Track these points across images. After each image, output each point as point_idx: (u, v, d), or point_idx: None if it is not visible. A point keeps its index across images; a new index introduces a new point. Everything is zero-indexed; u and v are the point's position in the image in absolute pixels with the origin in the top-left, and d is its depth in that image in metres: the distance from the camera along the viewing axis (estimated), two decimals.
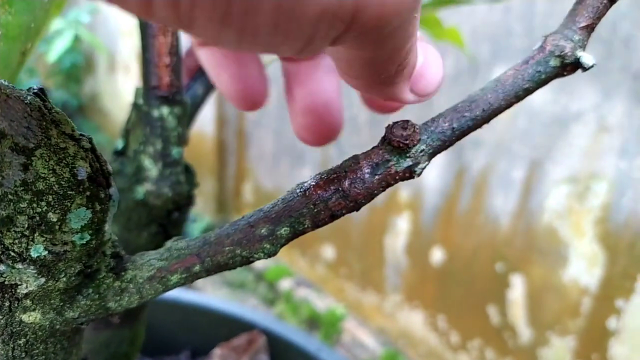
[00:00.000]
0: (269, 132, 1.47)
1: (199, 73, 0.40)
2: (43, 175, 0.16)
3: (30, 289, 0.18)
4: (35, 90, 0.18)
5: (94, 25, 1.96)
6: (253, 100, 0.28)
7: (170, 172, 0.33)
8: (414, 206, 1.14)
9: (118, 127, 2.12)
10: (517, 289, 1.00)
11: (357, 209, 0.22)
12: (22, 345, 0.21)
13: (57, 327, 0.21)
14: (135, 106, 0.35)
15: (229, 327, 0.55)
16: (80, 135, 0.18)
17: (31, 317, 0.20)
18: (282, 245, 0.22)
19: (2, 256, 0.17)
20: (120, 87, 2.04)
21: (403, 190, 1.16)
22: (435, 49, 0.24)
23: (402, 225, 1.17)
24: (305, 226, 0.22)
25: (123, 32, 1.93)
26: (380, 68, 0.18)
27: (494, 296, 1.03)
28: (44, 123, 0.17)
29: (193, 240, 0.22)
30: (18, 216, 0.16)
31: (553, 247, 0.94)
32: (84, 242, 0.18)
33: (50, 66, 2.04)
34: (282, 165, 1.46)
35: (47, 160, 0.17)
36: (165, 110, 0.32)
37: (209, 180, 1.64)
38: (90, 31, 1.80)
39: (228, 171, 1.62)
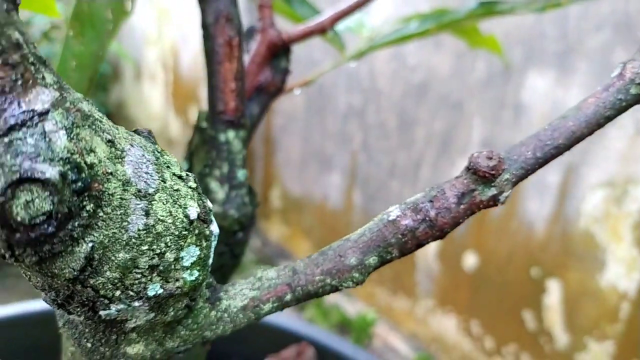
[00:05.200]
0: (296, 137, 1.48)
1: (255, 93, 0.40)
2: (162, 218, 0.17)
3: (139, 323, 0.19)
4: (145, 134, 0.18)
5: (120, 34, 1.99)
6: None
7: (236, 194, 0.34)
8: None
9: None
10: (553, 294, 0.99)
11: (442, 237, 0.23)
12: None
13: (157, 356, 0.22)
14: (199, 129, 0.36)
15: (278, 338, 0.56)
16: (187, 174, 0.19)
17: (135, 348, 0.21)
18: (369, 274, 0.23)
19: (121, 296, 0.17)
20: (146, 95, 2.07)
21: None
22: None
23: None
24: (393, 255, 0.22)
25: (149, 41, 1.96)
26: None
27: (529, 301, 1.03)
28: (158, 166, 0.18)
29: (283, 270, 0.23)
30: (140, 258, 0.17)
31: (590, 251, 0.93)
32: (193, 278, 0.19)
33: None
34: (310, 171, 1.46)
35: (165, 203, 0.17)
36: (231, 134, 0.33)
37: None
38: (117, 40, 1.83)
39: (255, 177, 1.63)
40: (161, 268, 0.17)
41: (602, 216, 0.91)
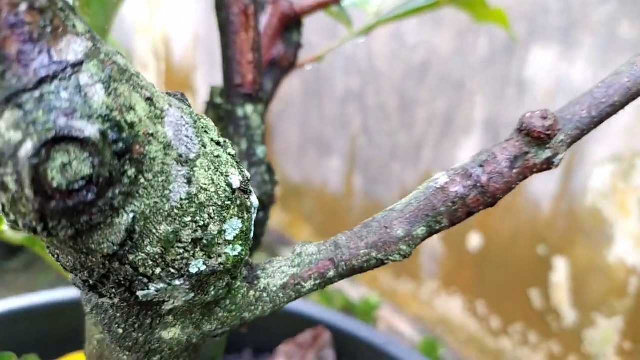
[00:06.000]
0: (294, 123, 1.46)
1: (268, 68, 0.38)
2: (204, 186, 0.15)
3: (177, 304, 0.18)
4: (179, 96, 0.17)
5: None
6: None
7: (256, 172, 0.32)
8: None
9: None
10: (560, 272, 0.98)
11: (493, 205, 0.21)
12: None
13: (194, 341, 0.20)
14: (213, 106, 0.34)
15: (292, 323, 0.55)
16: (225, 140, 0.17)
17: (171, 333, 0.19)
18: (416, 246, 0.21)
19: (162, 274, 0.16)
20: None
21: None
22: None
23: None
24: (443, 225, 0.21)
25: (139, 29, 1.92)
26: None
27: (535, 279, 1.02)
28: (197, 130, 0.16)
29: (323, 245, 0.21)
30: (182, 231, 0.15)
31: (597, 227, 0.92)
32: (236, 253, 0.17)
33: None
34: (309, 157, 1.45)
35: (207, 170, 0.16)
36: (249, 108, 0.31)
37: None
38: None
39: None
40: (204, 242, 0.16)
41: (609, 191, 0.90)
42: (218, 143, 0.17)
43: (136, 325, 0.18)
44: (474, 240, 1.11)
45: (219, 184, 0.16)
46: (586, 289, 0.96)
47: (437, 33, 1.09)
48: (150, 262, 0.15)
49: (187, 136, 0.15)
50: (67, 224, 0.13)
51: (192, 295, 0.17)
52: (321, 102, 1.36)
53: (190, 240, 0.16)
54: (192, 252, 0.16)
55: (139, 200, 0.14)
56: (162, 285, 0.16)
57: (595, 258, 0.94)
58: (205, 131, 0.16)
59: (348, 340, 0.53)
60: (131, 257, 0.15)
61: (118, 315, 0.18)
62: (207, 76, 1.75)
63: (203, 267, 0.16)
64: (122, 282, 0.15)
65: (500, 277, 1.08)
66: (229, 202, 0.16)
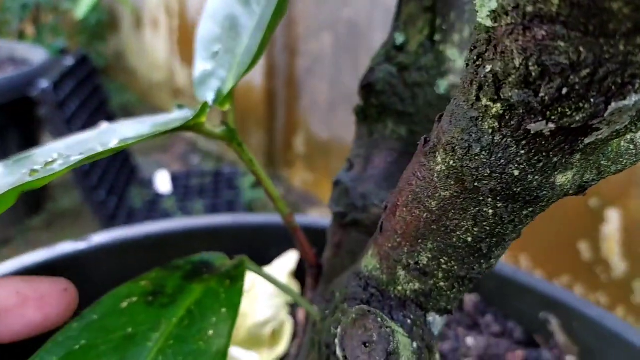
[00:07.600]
0: (324, 80, 1.43)
1: None
2: None
3: (601, 136, 0.16)
4: None
5: None
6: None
7: None
8: None
9: (145, 86, 2.06)
10: (612, 223, 0.99)
11: None
12: (513, 220, 0.19)
13: (571, 192, 0.18)
14: None
15: None
16: None
17: (564, 177, 0.17)
18: None
19: None
20: (148, 44, 1.97)
21: None
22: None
23: None
24: None
25: None
26: None
27: (585, 232, 1.02)
28: None
29: None
30: None
31: None
32: None
33: (74, 25, 1.96)
34: (340, 115, 1.42)
35: None
36: None
37: (257, 132, 1.60)
38: None
39: (277, 123, 1.58)
40: None
41: None
42: None
43: (539, 165, 0.16)
44: None
45: None
46: (638, 240, 0.97)
47: None
48: None
49: None
50: None
51: (626, 123, 0.15)
52: (355, 57, 1.33)
53: None
54: None
55: None
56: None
57: None
58: None
59: (489, 279, 0.52)
60: None
61: (522, 152, 0.16)
62: None
63: None
64: (612, 87, 0.13)
65: (548, 230, 1.08)
66: None
